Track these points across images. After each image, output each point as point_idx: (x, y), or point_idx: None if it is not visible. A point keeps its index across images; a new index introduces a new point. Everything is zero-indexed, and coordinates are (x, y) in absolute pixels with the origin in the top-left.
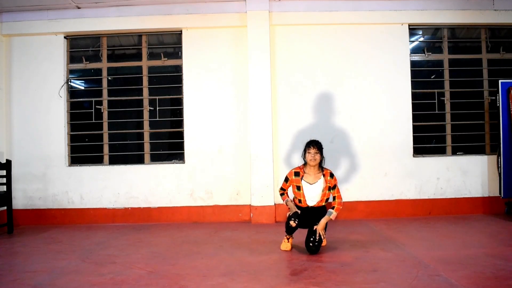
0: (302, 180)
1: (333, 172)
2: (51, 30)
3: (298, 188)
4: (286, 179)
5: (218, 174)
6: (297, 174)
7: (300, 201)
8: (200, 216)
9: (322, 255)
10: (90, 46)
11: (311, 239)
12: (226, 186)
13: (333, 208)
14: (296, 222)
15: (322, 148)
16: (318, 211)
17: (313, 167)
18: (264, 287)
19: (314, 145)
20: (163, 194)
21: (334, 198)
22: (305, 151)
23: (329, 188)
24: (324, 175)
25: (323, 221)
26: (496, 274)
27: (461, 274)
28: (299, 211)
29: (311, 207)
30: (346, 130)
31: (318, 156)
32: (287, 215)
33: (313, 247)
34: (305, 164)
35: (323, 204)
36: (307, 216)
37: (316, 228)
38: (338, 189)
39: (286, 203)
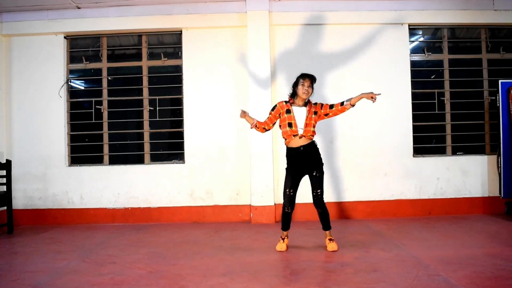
0: (292, 105)
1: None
2: (51, 30)
3: (288, 111)
4: (274, 107)
5: (218, 174)
6: (286, 102)
7: (290, 124)
8: (200, 216)
9: (322, 255)
10: (90, 46)
11: (314, 193)
12: (226, 186)
13: (342, 103)
14: (290, 208)
15: (314, 82)
16: (312, 152)
17: (302, 100)
18: (264, 287)
19: (309, 77)
20: (163, 194)
21: (331, 106)
22: (297, 82)
23: (314, 113)
24: (309, 105)
25: (358, 98)
26: (496, 274)
27: (461, 274)
28: (256, 122)
29: (304, 147)
30: (346, 130)
31: (310, 90)
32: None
33: (317, 200)
34: (293, 96)
35: (312, 135)
36: (303, 160)
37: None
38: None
39: (254, 119)
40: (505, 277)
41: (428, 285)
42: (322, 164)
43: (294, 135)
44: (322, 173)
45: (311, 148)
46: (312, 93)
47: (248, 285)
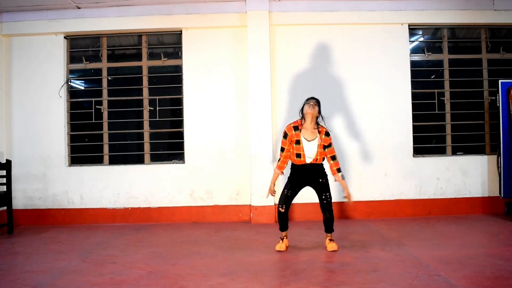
0: (301, 135)
1: (329, 132)
2: (51, 30)
3: (298, 142)
4: (285, 135)
5: (218, 174)
6: (296, 128)
7: (299, 155)
8: (200, 216)
9: (322, 255)
10: (90, 46)
11: (323, 196)
12: (226, 186)
13: (338, 170)
14: (284, 207)
15: (320, 105)
16: (317, 167)
17: (310, 120)
18: (264, 287)
19: (313, 98)
20: (163, 194)
21: (333, 157)
22: (303, 106)
23: (324, 147)
24: (319, 132)
25: (344, 185)
26: (496, 274)
27: (461, 274)
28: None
29: (310, 164)
30: (346, 130)
31: (316, 108)
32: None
33: (327, 203)
34: (302, 119)
35: (321, 162)
36: (307, 174)
37: (345, 195)
38: (333, 148)
39: (274, 170)
40: (505, 277)
41: (428, 285)
42: (327, 175)
43: (301, 163)
44: (327, 180)
45: (316, 167)
46: (318, 115)
47: (248, 285)
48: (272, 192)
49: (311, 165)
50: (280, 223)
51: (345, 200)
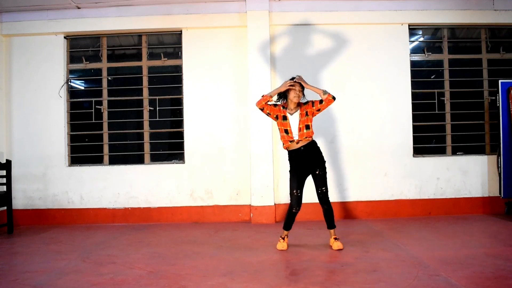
0: (287, 112)
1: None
2: (51, 30)
3: (284, 118)
4: (276, 105)
5: (218, 174)
6: (283, 107)
7: (286, 131)
8: (200, 216)
9: (322, 255)
10: (90, 46)
11: (319, 190)
12: (226, 186)
13: (324, 92)
14: (297, 209)
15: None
16: (312, 150)
17: (293, 104)
18: (264, 287)
19: (299, 84)
20: (163, 194)
21: (321, 101)
22: (285, 90)
23: (306, 114)
24: (300, 108)
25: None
26: (496, 274)
27: (461, 274)
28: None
29: (303, 148)
30: (346, 130)
31: (301, 94)
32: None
33: (323, 196)
34: (283, 100)
35: (310, 136)
36: (305, 160)
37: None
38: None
39: (262, 96)
40: (505, 277)
41: (428, 285)
42: (324, 161)
43: (290, 141)
44: (325, 171)
45: (312, 147)
46: (302, 96)
47: (248, 285)
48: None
49: (305, 148)
50: (287, 222)
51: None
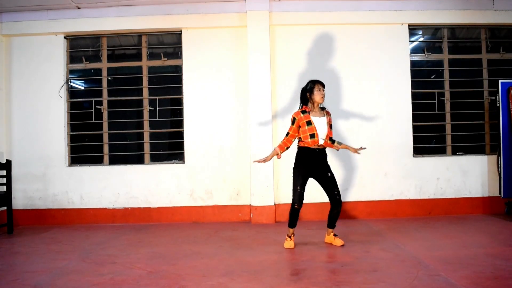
0: (311, 116)
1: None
2: (51, 30)
3: (309, 123)
4: (293, 121)
5: (218, 174)
6: (304, 112)
7: (313, 135)
8: (200, 216)
9: (322, 255)
10: (90, 46)
11: (335, 192)
12: (226, 186)
13: (332, 141)
14: (299, 205)
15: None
16: (324, 153)
17: (318, 106)
18: (264, 287)
19: (322, 84)
20: (163, 194)
21: (331, 139)
22: (310, 90)
23: (331, 127)
24: (326, 114)
25: (345, 146)
26: (496, 274)
27: (461, 274)
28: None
29: (319, 148)
30: (346, 130)
31: (324, 93)
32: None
33: (339, 198)
34: (307, 105)
35: (326, 145)
36: (315, 160)
37: (331, 175)
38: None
39: (274, 148)
40: (505, 277)
41: (428, 285)
42: (330, 167)
43: (314, 144)
44: (333, 173)
45: (324, 151)
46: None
47: (248, 285)
48: (262, 161)
49: (320, 149)
50: (291, 219)
51: (359, 151)
